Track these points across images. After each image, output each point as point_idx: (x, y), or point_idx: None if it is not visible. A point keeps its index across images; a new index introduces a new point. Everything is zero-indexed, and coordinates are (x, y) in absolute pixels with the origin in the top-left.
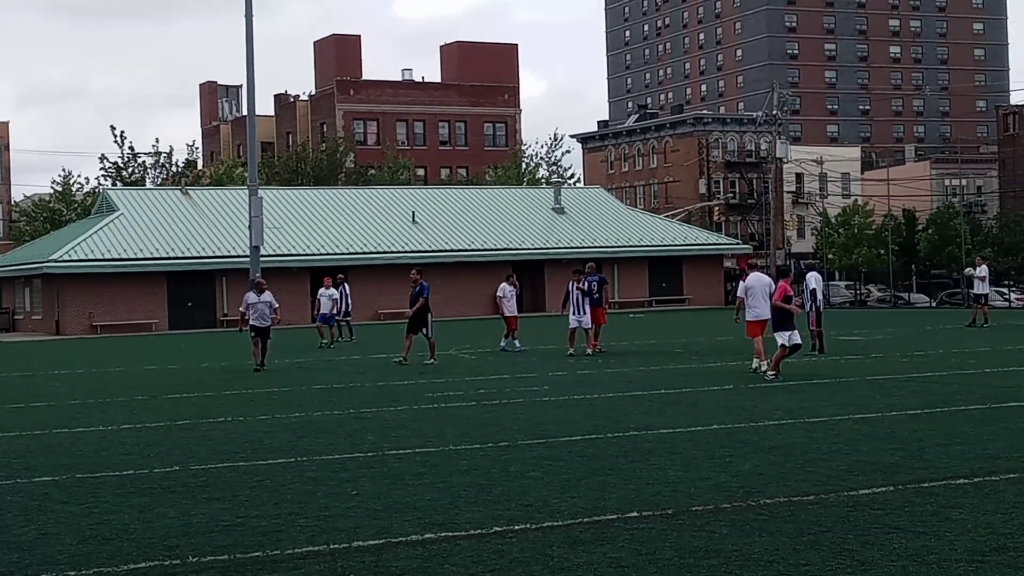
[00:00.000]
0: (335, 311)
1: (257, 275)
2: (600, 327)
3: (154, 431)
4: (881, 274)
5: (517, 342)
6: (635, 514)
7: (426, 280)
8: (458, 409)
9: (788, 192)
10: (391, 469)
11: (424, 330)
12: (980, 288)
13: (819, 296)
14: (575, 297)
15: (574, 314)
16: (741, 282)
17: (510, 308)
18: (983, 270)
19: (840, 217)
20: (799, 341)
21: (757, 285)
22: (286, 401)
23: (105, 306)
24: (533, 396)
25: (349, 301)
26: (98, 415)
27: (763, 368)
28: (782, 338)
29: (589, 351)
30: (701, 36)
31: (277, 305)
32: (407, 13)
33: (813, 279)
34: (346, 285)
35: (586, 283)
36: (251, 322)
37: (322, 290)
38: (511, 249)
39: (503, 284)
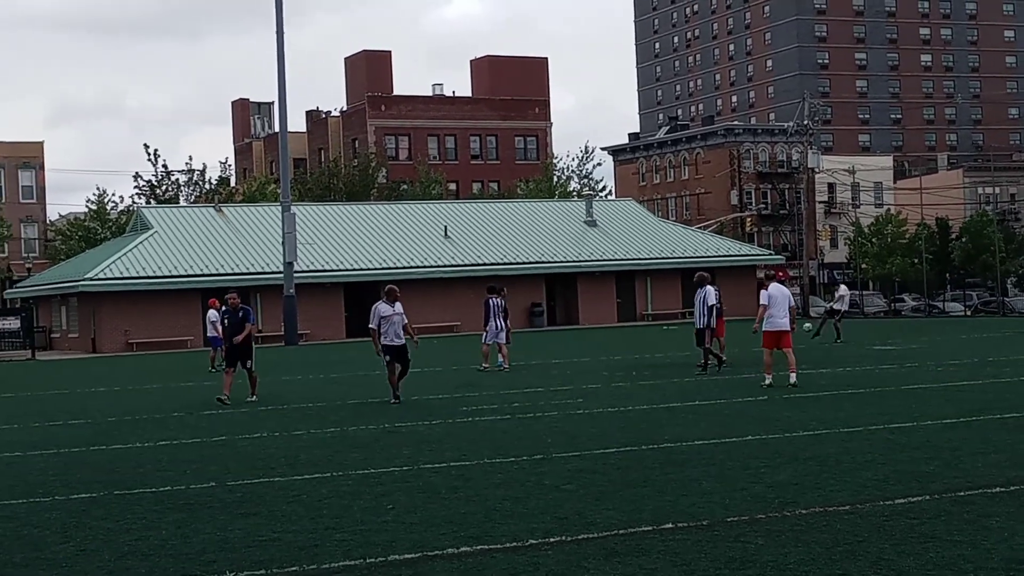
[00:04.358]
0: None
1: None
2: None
3: (190, 447)
4: (915, 283)
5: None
6: (670, 525)
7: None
8: (492, 422)
9: (820, 202)
10: (426, 483)
11: (248, 362)
12: None
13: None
14: (493, 312)
15: (494, 330)
16: (763, 291)
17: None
18: None
19: (873, 227)
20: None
21: (779, 295)
22: (321, 416)
23: (140, 324)
24: (567, 409)
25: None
26: (134, 432)
27: (792, 380)
28: None
29: (506, 367)
30: (731, 47)
31: (407, 320)
32: (437, 28)
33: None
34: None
35: (706, 293)
36: (384, 341)
37: (211, 312)
38: (543, 262)
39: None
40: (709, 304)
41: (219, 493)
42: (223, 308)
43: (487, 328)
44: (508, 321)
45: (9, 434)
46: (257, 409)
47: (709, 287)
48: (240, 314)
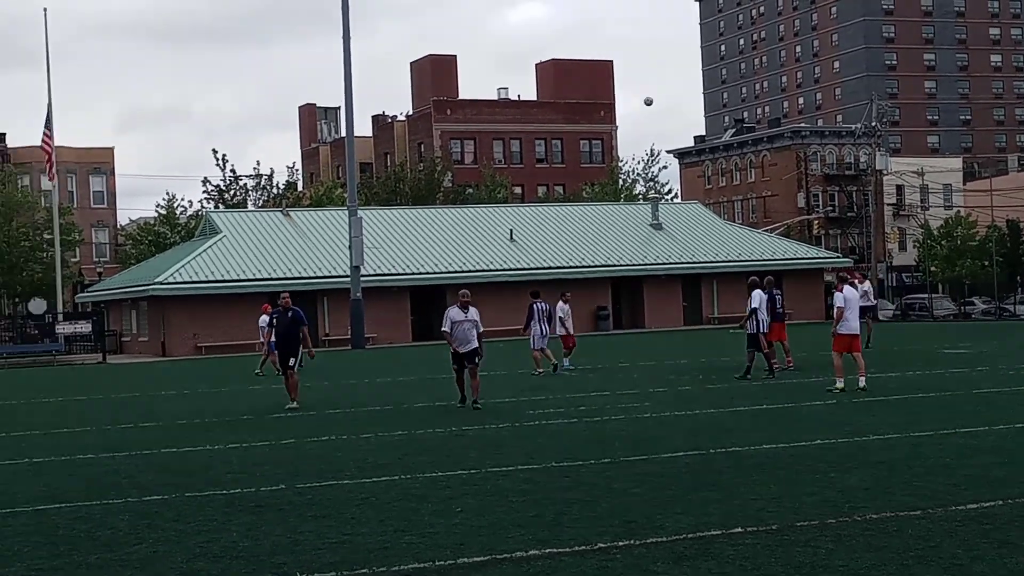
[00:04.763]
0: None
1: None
2: (783, 342)
3: (259, 450)
4: (985, 286)
5: (566, 360)
6: (739, 530)
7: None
8: (560, 426)
9: (889, 204)
10: (494, 486)
11: (292, 361)
12: None
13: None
14: (538, 317)
15: (540, 335)
16: (838, 293)
17: (567, 327)
18: None
19: (942, 229)
20: None
21: (853, 298)
22: (389, 419)
23: (209, 327)
24: (634, 412)
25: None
26: (204, 435)
27: (861, 384)
28: None
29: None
30: (798, 49)
31: (481, 328)
32: (502, 31)
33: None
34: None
35: (752, 298)
36: (454, 346)
37: (262, 317)
38: (609, 266)
39: (560, 303)
40: (752, 307)
41: (289, 495)
42: (273, 310)
43: (532, 333)
44: (551, 325)
45: (82, 436)
46: (325, 412)
47: (757, 291)
48: (290, 315)
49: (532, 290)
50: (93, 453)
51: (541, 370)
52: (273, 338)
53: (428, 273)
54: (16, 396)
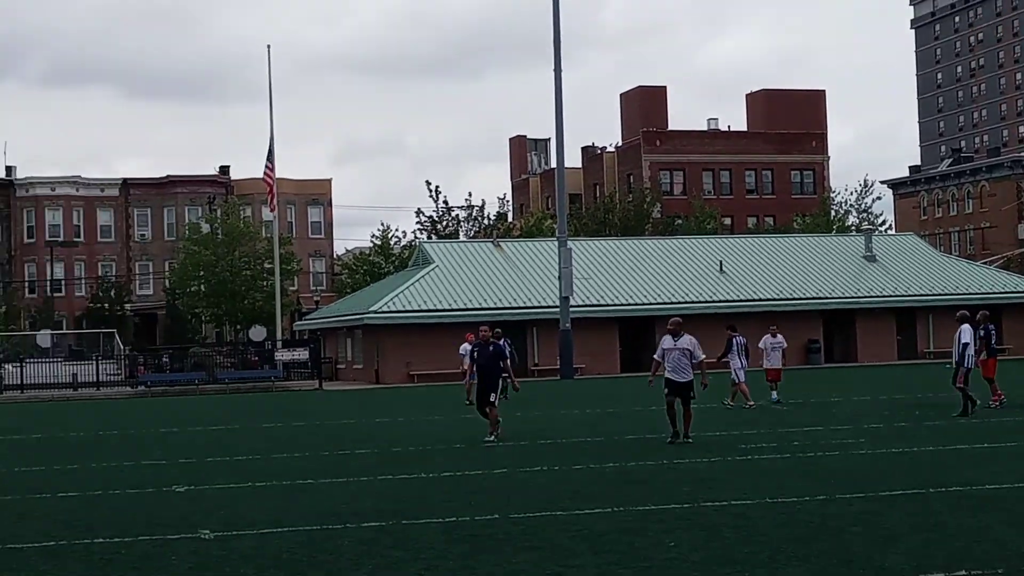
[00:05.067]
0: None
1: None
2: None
3: (473, 479)
4: None
5: (774, 394)
6: (963, 572)
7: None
8: (772, 461)
9: None
10: (708, 521)
11: (493, 396)
12: None
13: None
14: (737, 350)
15: (738, 367)
16: None
17: (776, 360)
18: None
19: None
20: None
21: None
22: (599, 450)
23: (422, 355)
24: (849, 448)
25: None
26: (419, 462)
27: None
28: None
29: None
30: (1018, 76)
31: (702, 356)
32: (712, 62)
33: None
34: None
35: (961, 332)
36: (666, 375)
37: (464, 345)
38: (821, 298)
39: (767, 336)
40: (963, 342)
41: (503, 525)
42: (475, 342)
43: (734, 366)
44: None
45: (300, 462)
46: (537, 442)
47: (965, 325)
48: (491, 348)
49: (729, 323)
50: (312, 478)
51: (751, 403)
52: (474, 369)
53: (637, 304)
54: (237, 421)
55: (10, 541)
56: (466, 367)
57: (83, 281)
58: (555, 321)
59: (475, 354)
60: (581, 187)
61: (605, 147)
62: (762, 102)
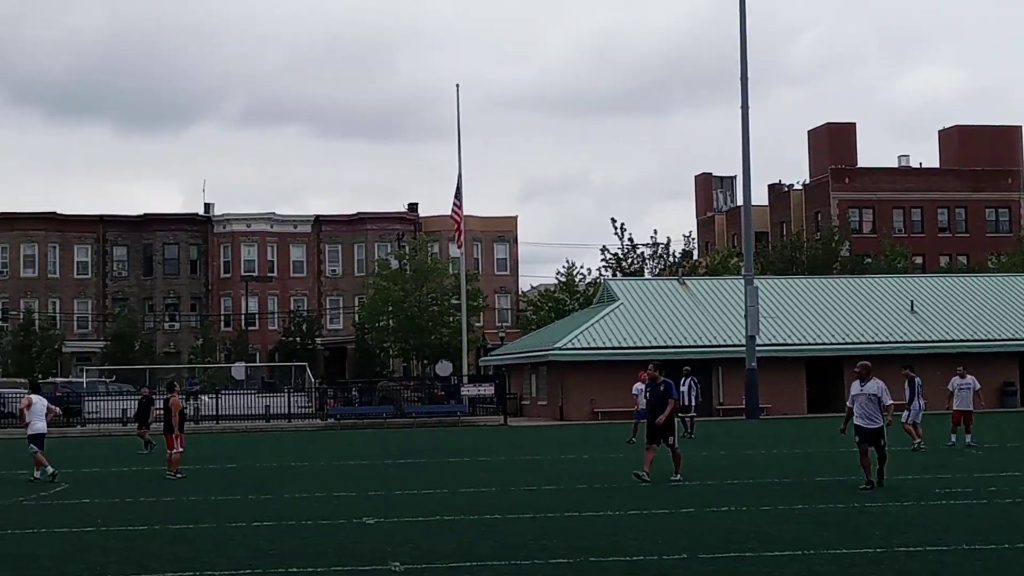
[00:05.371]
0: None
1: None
2: None
3: (659, 517)
4: None
5: (968, 437)
6: None
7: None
8: (968, 506)
9: None
10: (902, 567)
11: (671, 439)
12: None
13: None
14: (918, 392)
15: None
16: None
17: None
18: None
19: None
20: None
21: None
22: (788, 492)
23: (606, 393)
24: None
25: None
26: (604, 500)
27: None
28: None
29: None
30: None
31: (890, 401)
32: (902, 97)
33: None
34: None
35: None
36: (855, 421)
37: (637, 384)
38: (1017, 340)
39: (956, 378)
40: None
41: (691, 565)
42: (648, 381)
43: (911, 407)
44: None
45: (487, 497)
46: (724, 483)
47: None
48: (662, 387)
49: (906, 364)
50: (500, 514)
51: (919, 441)
52: (643, 407)
53: (824, 344)
54: (424, 455)
55: (207, 569)
56: (640, 406)
57: (276, 315)
58: (741, 360)
59: (647, 394)
60: (767, 225)
61: (792, 184)
62: (955, 138)
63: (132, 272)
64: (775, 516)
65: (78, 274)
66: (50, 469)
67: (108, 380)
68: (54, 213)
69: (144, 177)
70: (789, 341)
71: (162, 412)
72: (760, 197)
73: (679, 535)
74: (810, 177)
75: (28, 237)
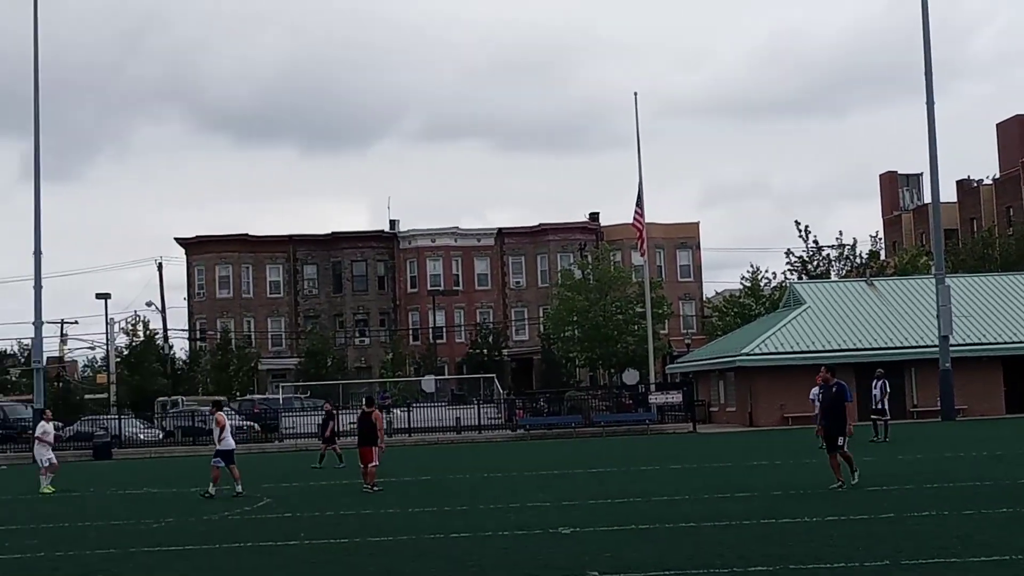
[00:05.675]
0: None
1: None
2: None
3: (858, 523)
4: None
5: None
6: None
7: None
8: None
9: None
10: None
11: (841, 440)
12: None
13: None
14: None
15: None
16: None
17: None
18: None
19: None
20: None
21: None
22: (990, 495)
23: (795, 398)
24: None
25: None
26: (801, 506)
27: None
28: None
29: None
30: None
31: None
32: None
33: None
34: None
35: None
36: None
37: (813, 389)
38: None
39: None
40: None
41: (895, 572)
42: (822, 384)
43: None
44: None
45: (681, 505)
46: (923, 487)
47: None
48: (835, 390)
49: None
50: (695, 522)
51: None
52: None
53: (1022, 343)
54: (615, 464)
55: None
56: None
57: (463, 328)
58: (934, 361)
59: (819, 396)
60: (957, 222)
61: (982, 180)
62: None
63: (322, 289)
64: (977, 520)
65: (271, 293)
66: (213, 489)
67: (303, 396)
68: (246, 234)
69: (330, 196)
70: (984, 340)
71: (357, 426)
72: (948, 194)
73: (879, 542)
74: (1000, 171)
75: (222, 259)
